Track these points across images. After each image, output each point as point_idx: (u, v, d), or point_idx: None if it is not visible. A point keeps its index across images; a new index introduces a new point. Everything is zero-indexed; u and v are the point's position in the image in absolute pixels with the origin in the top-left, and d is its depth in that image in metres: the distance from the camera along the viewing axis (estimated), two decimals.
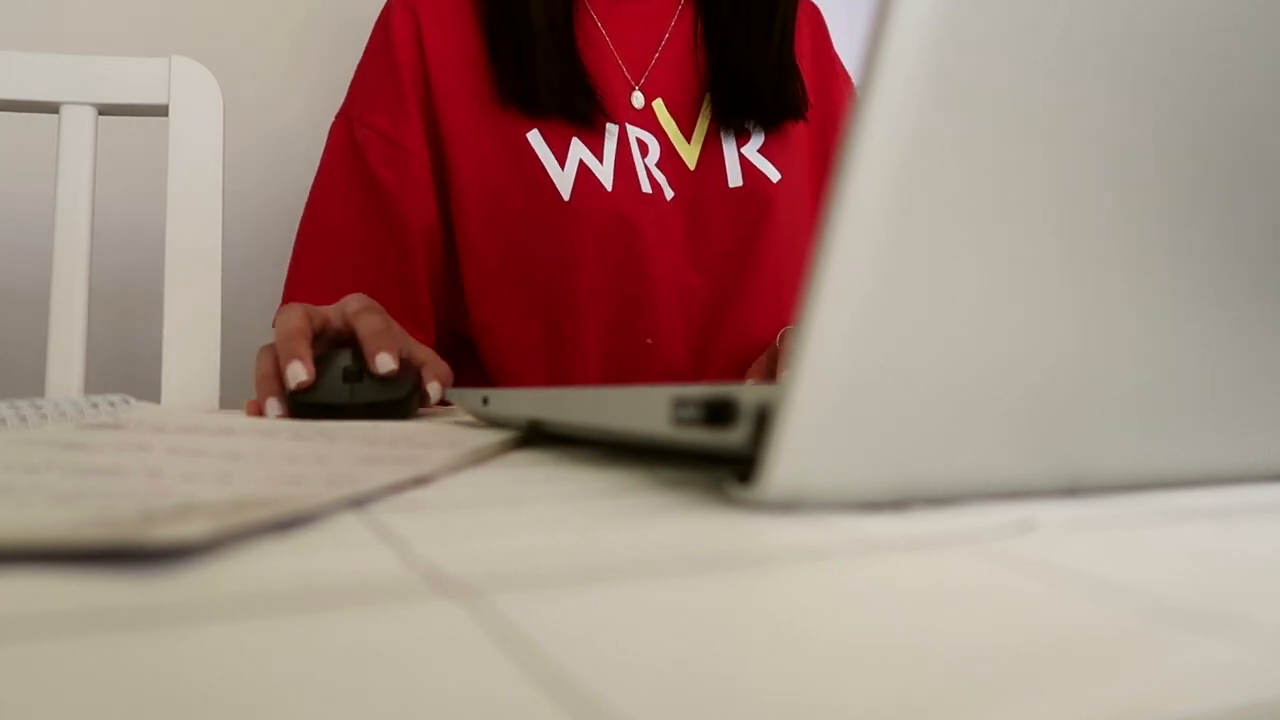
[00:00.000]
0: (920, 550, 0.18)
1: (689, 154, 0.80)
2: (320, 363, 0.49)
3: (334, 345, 0.53)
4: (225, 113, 0.76)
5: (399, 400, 0.50)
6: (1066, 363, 0.22)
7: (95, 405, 0.41)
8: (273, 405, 0.49)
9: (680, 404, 0.23)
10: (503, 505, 0.22)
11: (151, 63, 0.75)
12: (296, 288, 0.74)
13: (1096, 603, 0.14)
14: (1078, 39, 0.20)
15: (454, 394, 0.44)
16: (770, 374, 0.70)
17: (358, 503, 0.22)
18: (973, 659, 0.12)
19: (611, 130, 0.76)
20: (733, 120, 0.80)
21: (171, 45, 0.82)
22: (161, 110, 0.75)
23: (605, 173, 0.75)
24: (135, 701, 0.10)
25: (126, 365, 0.94)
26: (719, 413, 0.22)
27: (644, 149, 0.78)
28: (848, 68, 0.92)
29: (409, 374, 0.51)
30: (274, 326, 0.52)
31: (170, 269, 0.73)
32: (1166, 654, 0.12)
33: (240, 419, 0.45)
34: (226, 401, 0.72)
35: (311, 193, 0.77)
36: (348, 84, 0.80)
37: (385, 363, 0.49)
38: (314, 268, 0.75)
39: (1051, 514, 0.21)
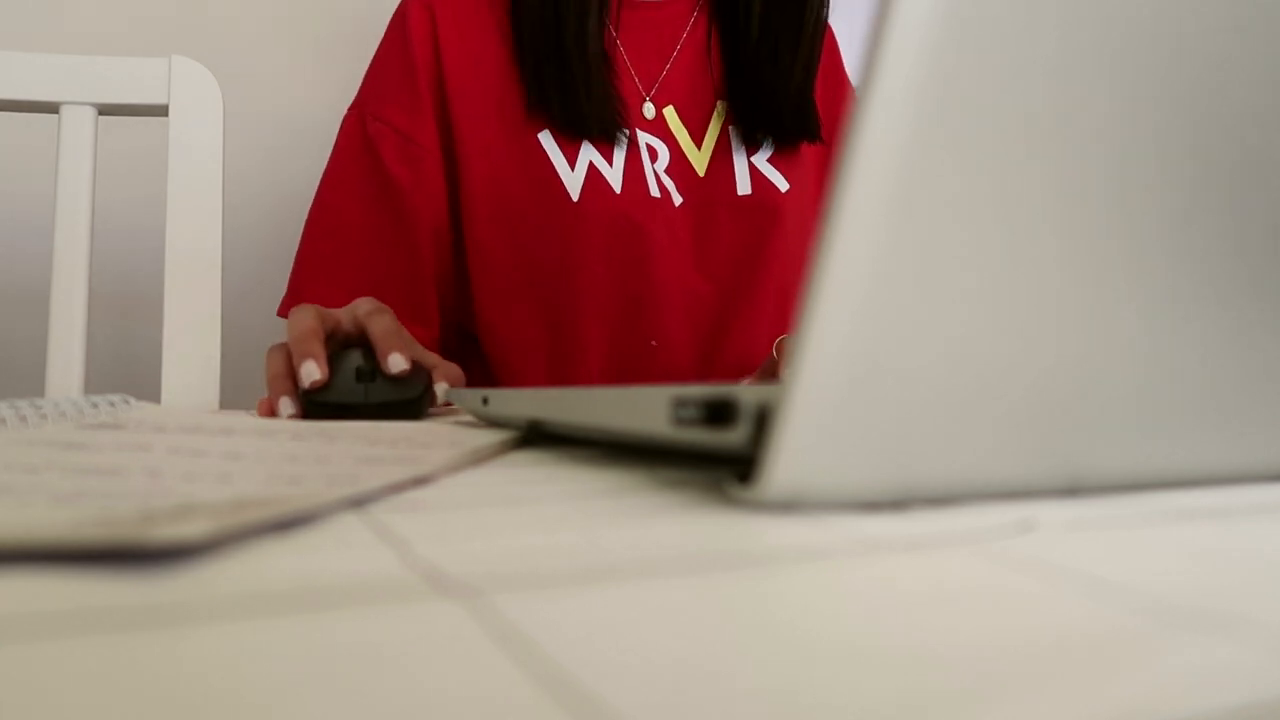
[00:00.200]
0: (920, 550, 0.18)
1: (699, 161, 0.80)
2: (332, 363, 0.49)
3: (344, 347, 0.53)
4: (225, 113, 0.76)
5: (412, 400, 0.50)
6: (1066, 363, 0.22)
7: (95, 405, 0.41)
8: (286, 404, 0.49)
9: (680, 404, 0.23)
10: (503, 505, 0.22)
11: (151, 63, 0.75)
12: (303, 278, 0.74)
13: (1096, 603, 0.14)
14: (1078, 39, 0.20)
15: (454, 394, 0.45)
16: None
17: (358, 503, 0.22)
18: (973, 659, 0.12)
19: (623, 135, 0.77)
20: (748, 132, 0.81)
21: (171, 45, 0.82)
22: (161, 110, 0.75)
23: (614, 175, 0.76)
24: (135, 701, 0.10)
25: (126, 365, 0.94)
26: (719, 413, 0.22)
27: (654, 155, 0.78)
28: (848, 69, 0.92)
29: (421, 374, 0.52)
30: (283, 316, 0.52)
31: (170, 269, 0.73)
32: (1166, 654, 0.12)
33: (240, 419, 0.45)
34: (226, 401, 0.72)
35: (321, 185, 0.77)
36: (348, 84, 0.80)
37: (398, 362, 0.49)
38: (321, 259, 0.75)
39: (1051, 514, 0.21)
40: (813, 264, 0.19)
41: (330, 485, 0.23)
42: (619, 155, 0.76)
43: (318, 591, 0.14)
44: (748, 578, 0.16)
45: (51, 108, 0.73)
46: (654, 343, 0.77)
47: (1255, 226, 0.24)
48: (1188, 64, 0.22)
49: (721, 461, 0.27)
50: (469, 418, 0.47)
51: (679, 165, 0.80)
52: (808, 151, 0.84)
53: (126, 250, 0.93)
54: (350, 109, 0.78)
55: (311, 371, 0.48)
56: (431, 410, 0.56)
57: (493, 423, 0.41)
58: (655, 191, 0.77)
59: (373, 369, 0.50)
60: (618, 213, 0.75)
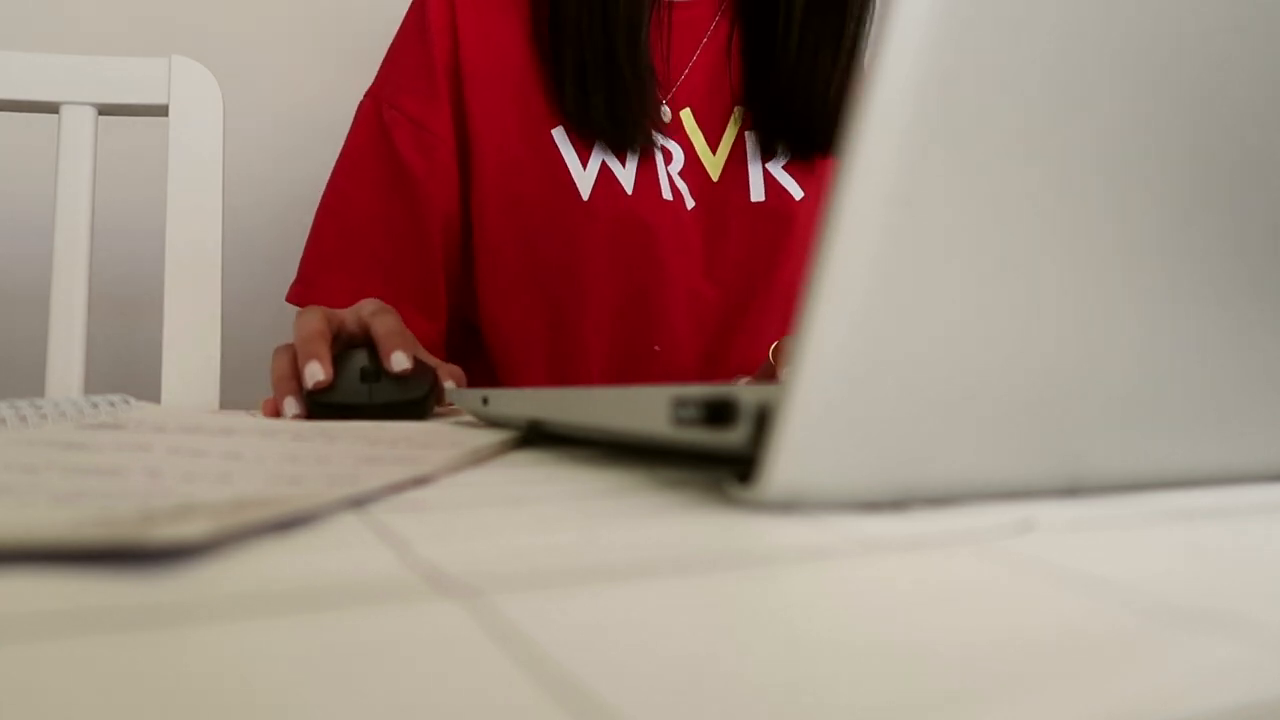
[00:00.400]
0: (920, 550, 0.18)
1: (713, 165, 0.80)
2: (336, 363, 0.50)
3: (349, 347, 0.53)
4: (225, 113, 0.76)
5: (416, 400, 0.50)
6: (1066, 363, 0.22)
7: (95, 405, 0.41)
8: (290, 405, 0.49)
9: (680, 404, 0.23)
10: (503, 505, 0.22)
11: (151, 63, 0.75)
12: (314, 264, 0.74)
13: (1096, 602, 0.14)
14: (1077, 39, 0.20)
15: (454, 394, 0.45)
16: None
17: (358, 503, 0.22)
18: (973, 659, 0.12)
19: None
20: (766, 139, 0.80)
21: (171, 45, 0.82)
22: (161, 110, 0.75)
23: (627, 176, 0.75)
24: (135, 701, 0.10)
25: (126, 365, 0.94)
26: (719, 413, 0.22)
27: (668, 157, 0.78)
28: None
29: (426, 375, 0.52)
30: (292, 302, 0.52)
31: (170, 269, 0.73)
32: (1166, 654, 0.12)
33: (240, 419, 0.45)
34: (226, 402, 0.72)
35: (334, 171, 0.77)
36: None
37: (400, 360, 0.50)
38: (333, 245, 0.75)
39: (1051, 514, 0.21)
40: (813, 263, 0.19)
41: (330, 485, 0.23)
42: (632, 156, 0.76)
43: (318, 591, 0.14)
44: (748, 578, 0.16)
45: (51, 108, 0.73)
46: (657, 348, 0.77)
47: (1255, 226, 0.24)
48: (1188, 64, 0.22)
49: (721, 461, 0.27)
50: (469, 418, 0.47)
51: (693, 169, 0.79)
52: (823, 160, 0.84)
53: (126, 250, 0.93)
54: (365, 97, 0.78)
55: (316, 372, 0.48)
56: (438, 410, 0.56)
57: (493, 423, 0.41)
58: (668, 194, 0.77)
59: (377, 369, 0.50)
60: (627, 213, 0.75)
